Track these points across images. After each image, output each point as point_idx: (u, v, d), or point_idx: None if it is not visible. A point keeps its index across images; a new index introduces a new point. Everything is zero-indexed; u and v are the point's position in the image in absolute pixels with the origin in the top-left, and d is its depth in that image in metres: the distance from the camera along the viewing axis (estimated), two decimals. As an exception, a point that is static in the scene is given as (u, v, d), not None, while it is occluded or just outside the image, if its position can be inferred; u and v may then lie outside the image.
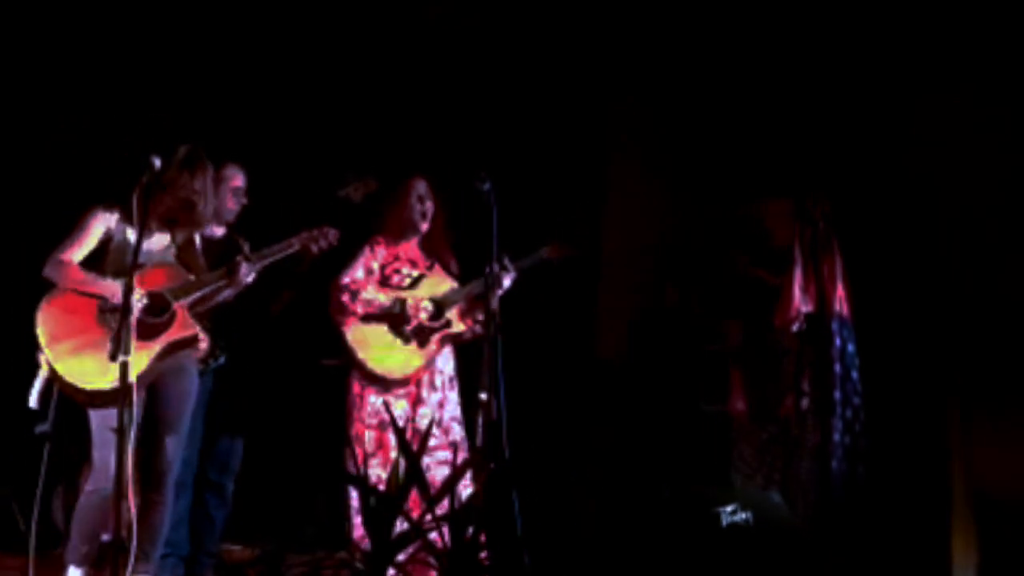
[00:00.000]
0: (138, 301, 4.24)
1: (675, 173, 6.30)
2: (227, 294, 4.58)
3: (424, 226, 5.24)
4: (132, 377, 4.12)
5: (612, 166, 6.46)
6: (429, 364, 5.11)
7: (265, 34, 6.23)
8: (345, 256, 5.22)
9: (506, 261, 5.03)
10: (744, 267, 5.14)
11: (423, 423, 4.99)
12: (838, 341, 4.91)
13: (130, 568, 4.10)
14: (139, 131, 5.70)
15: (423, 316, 5.12)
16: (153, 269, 4.36)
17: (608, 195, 6.40)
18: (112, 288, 4.27)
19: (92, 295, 4.29)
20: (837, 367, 4.88)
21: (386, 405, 4.96)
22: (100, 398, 4.21)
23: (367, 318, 5.11)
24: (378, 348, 5.10)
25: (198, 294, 4.41)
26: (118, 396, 4.07)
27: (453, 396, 5.18)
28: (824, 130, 5.81)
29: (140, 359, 4.20)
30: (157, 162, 4.20)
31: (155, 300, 4.32)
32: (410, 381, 5.09)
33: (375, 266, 5.20)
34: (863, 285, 5.07)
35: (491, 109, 6.32)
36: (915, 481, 5.33)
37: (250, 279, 4.51)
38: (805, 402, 4.90)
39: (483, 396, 4.49)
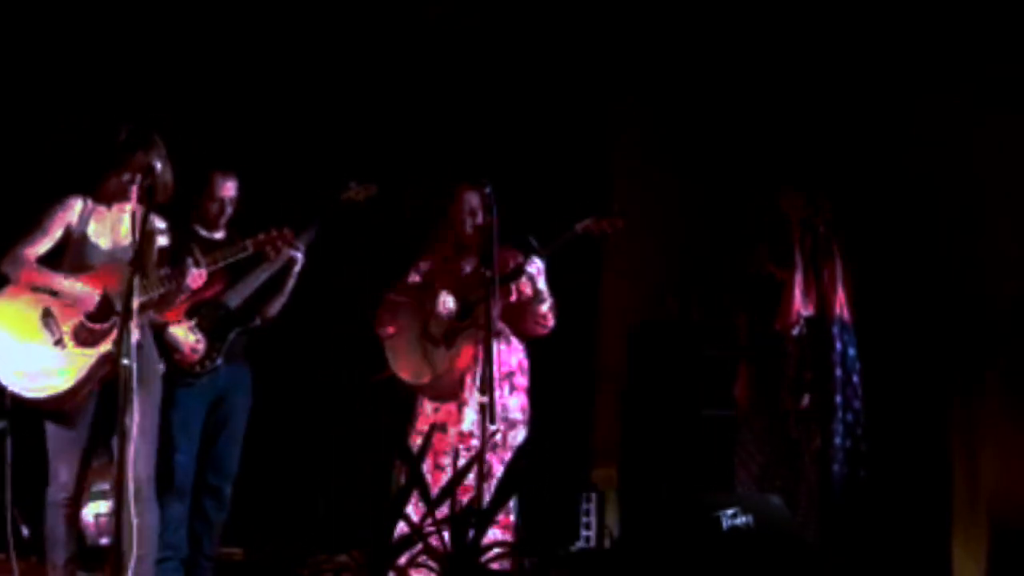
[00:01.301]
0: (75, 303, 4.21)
1: (678, 182, 6.31)
2: (177, 300, 4.48)
3: (477, 237, 5.08)
4: (64, 386, 4.17)
5: (614, 173, 6.47)
6: (460, 364, 4.99)
7: (266, 36, 6.23)
8: (387, 270, 5.23)
9: (535, 244, 4.92)
10: (761, 261, 5.09)
11: (464, 424, 4.97)
12: (839, 345, 4.90)
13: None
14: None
15: (441, 308, 5.01)
16: (105, 269, 4.29)
17: (610, 201, 6.40)
18: (68, 289, 4.22)
19: (46, 290, 4.23)
20: (838, 371, 4.88)
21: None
22: (46, 404, 4.19)
23: (399, 293, 5.06)
24: (407, 355, 5.05)
25: (145, 298, 4.27)
26: (63, 402, 4.16)
27: (503, 394, 5.01)
28: (824, 132, 5.81)
29: (74, 366, 4.19)
30: (158, 165, 4.20)
31: (102, 304, 4.24)
32: (446, 383, 5.00)
33: (418, 279, 5.16)
34: (863, 288, 5.07)
35: (492, 113, 6.32)
36: (916, 485, 5.34)
37: (199, 283, 4.40)
38: (806, 399, 4.89)
39: (484, 399, 4.50)
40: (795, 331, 4.93)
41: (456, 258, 5.16)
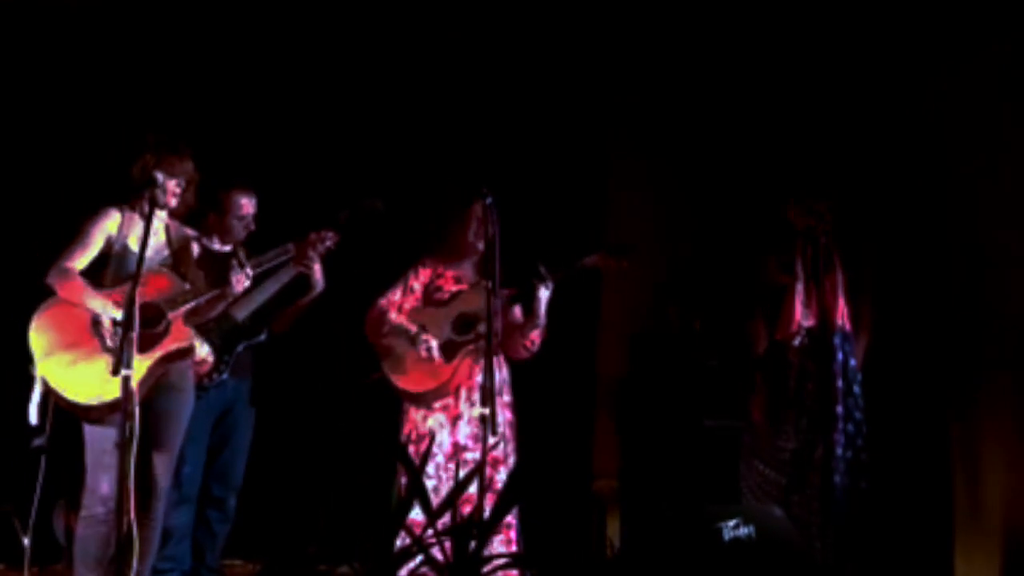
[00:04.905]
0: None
1: (678, 191, 6.32)
2: (222, 305, 4.54)
3: (481, 246, 5.09)
4: (119, 393, 4.12)
5: (614, 181, 6.47)
6: (457, 378, 5.01)
7: (273, 48, 6.24)
8: (387, 274, 5.20)
9: (543, 271, 4.96)
10: (773, 271, 5.09)
11: (461, 437, 4.98)
12: (840, 355, 4.90)
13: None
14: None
15: (423, 354, 5.02)
16: (149, 277, 4.28)
17: (609, 210, 6.41)
18: (97, 309, 4.21)
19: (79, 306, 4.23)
20: (839, 382, 4.88)
21: (399, 443, 4.92)
22: (96, 412, 4.18)
23: (388, 335, 5.07)
24: (404, 363, 5.04)
25: (193, 303, 4.35)
26: (113, 409, 4.11)
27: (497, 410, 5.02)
28: (825, 142, 5.82)
29: (136, 371, 4.13)
30: (160, 177, 4.23)
31: (150, 310, 4.24)
32: (440, 394, 5.02)
33: (416, 286, 5.15)
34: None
35: (493, 125, 6.33)
36: (918, 495, 5.33)
37: (244, 286, 4.44)
38: (804, 422, 4.89)
39: (485, 411, 4.49)
40: (796, 342, 4.94)
41: (454, 265, 5.17)
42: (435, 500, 4.46)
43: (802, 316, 4.91)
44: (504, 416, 5.05)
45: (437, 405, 5.03)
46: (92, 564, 4.21)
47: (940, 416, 5.40)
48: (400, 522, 4.22)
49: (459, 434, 4.99)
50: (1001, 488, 5.15)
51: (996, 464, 5.19)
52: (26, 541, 4.38)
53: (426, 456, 4.59)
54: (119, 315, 4.15)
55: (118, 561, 3.91)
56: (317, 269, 4.93)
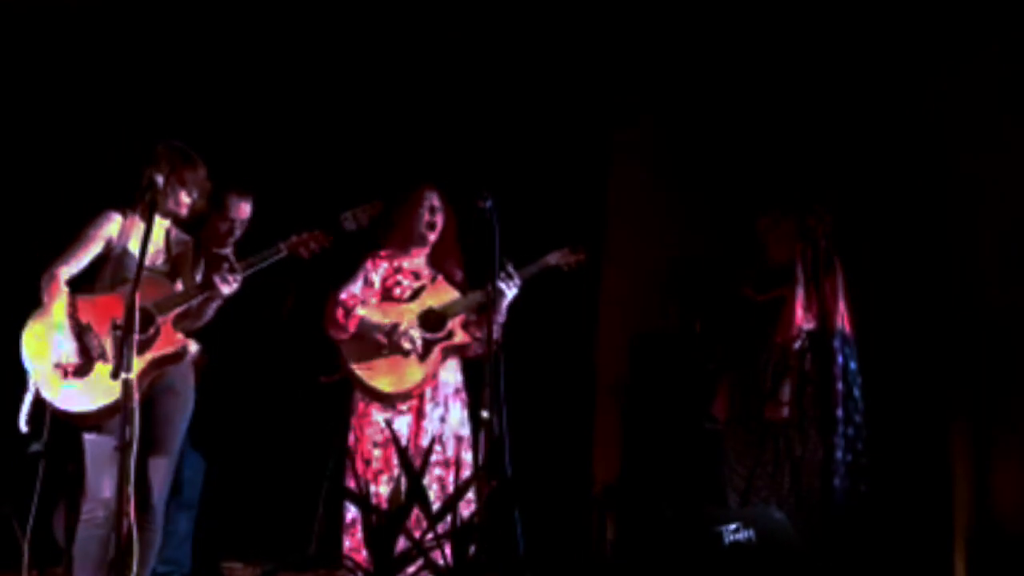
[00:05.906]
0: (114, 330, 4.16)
1: (678, 191, 6.31)
2: (214, 305, 4.51)
3: (432, 237, 5.12)
4: (111, 399, 4.09)
5: (614, 183, 6.46)
6: (430, 377, 5.02)
7: (270, 49, 6.23)
8: (347, 269, 5.17)
9: (511, 269, 4.93)
10: (738, 284, 5.14)
11: (426, 439, 4.97)
12: (840, 359, 4.90)
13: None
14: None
15: (407, 346, 4.99)
16: (145, 280, 4.16)
17: (610, 212, 6.40)
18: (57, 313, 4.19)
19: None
20: (839, 385, 4.88)
21: (388, 423, 4.92)
22: (91, 418, 4.17)
23: (359, 334, 5.03)
24: (375, 362, 5.02)
25: (183, 307, 4.32)
26: (108, 415, 4.11)
27: (456, 410, 5.09)
28: (828, 143, 5.81)
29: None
30: (159, 179, 4.23)
31: (141, 315, 4.14)
32: (412, 395, 5.01)
33: (375, 279, 5.12)
34: (865, 301, 5.07)
35: (493, 126, 6.32)
36: (918, 499, 5.33)
37: (234, 288, 4.37)
38: (785, 411, 4.91)
39: (484, 414, 4.48)
40: (796, 345, 4.94)
41: (406, 256, 5.15)
42: None
43: (803, 319, 4.91)
44: (462, 415, 5.07)
45: (404, 407, 5.01)
46: (92, 567, 4.18)
47: (940, 419, 5.40)
48: (400, 524, 4.23)
49: (424, 437, 4.96)
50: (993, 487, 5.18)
51: (990, 465, 5.20)
52: (25, 545, 4.36)
53: (427, 459, 4.58)
54: (62, 331, 4.14)
55: (118, 564, 3.90)
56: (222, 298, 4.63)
